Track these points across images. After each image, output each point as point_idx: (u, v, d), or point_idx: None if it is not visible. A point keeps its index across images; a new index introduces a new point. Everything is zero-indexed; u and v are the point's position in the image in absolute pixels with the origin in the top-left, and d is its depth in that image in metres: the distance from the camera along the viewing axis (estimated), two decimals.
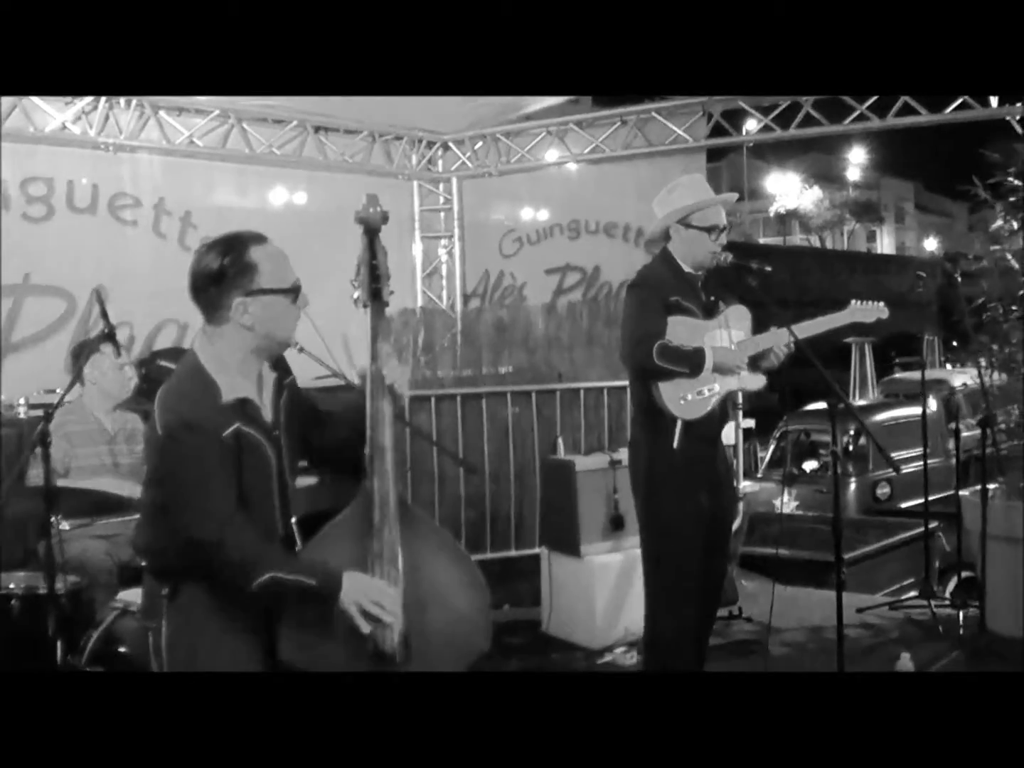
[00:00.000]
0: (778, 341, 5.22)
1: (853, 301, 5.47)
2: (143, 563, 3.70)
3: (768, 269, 5.08)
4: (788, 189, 60.51)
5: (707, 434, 5.26)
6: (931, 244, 64.00)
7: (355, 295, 3.63)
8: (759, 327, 5.34)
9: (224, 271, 3.32)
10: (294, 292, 3.43)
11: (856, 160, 62.36)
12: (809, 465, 14.14)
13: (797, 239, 60.37)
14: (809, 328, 5.26)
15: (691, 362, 5.10)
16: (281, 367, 3.59)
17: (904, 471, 5.52)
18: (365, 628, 3.28)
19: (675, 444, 5.13)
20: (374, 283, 3.61)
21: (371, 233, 3.63)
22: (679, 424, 5.14)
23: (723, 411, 5.38)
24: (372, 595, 3.29)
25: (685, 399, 5.13)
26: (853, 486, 13.63)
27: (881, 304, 5.47)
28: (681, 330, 5.17)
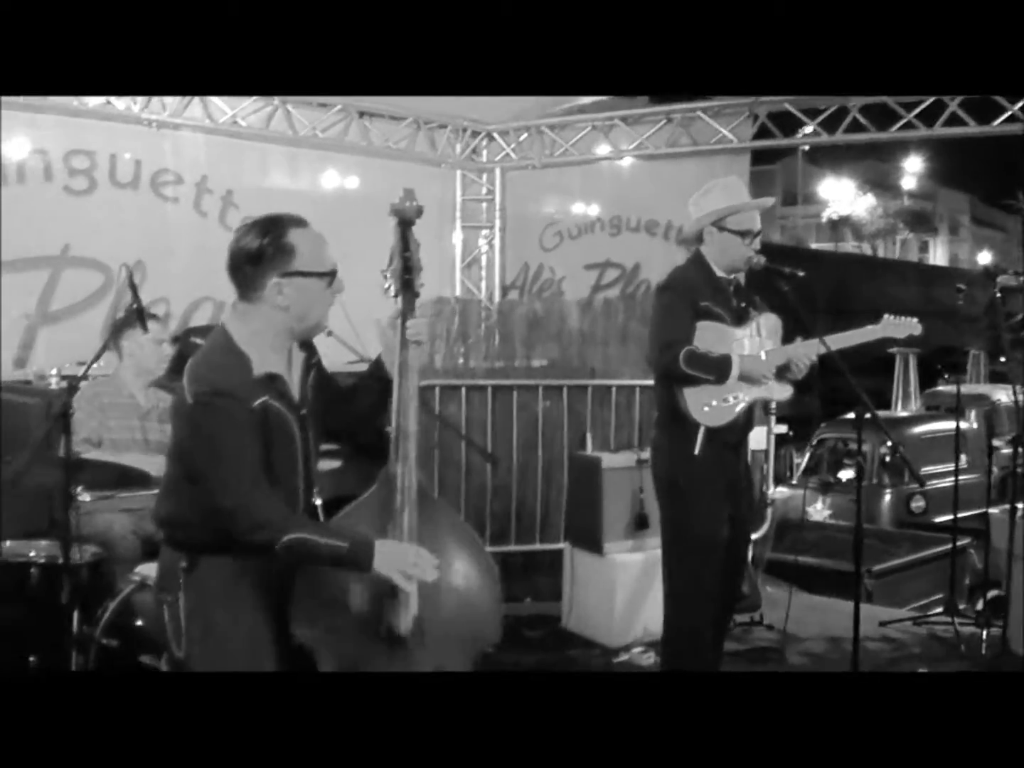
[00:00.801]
0: (808, 352, 5.17)
1: (886, 316, 5.43)
2: (162, 535, 3.72)
3: (801, 274, 5.03)
4: (842, 195, 60.06)
5: (730, 441, 5.24)
6: (985, 258, 63.39)
7: (387, 285, 3.67)
8: (792, 334, 5.29)
9: (262, 251, 3.38)
10: (330, 276, 3.48)
11: (912, 169, 61.81)
12: (844, 474, 14.02)
13: (849, 246, 59.94)
14: (841, 340, 5.22)
15: (717, 370, 5.06)
16: (308, 347, 3.64)
17: (938, 485, 5.46)
18: (410, 587, 3.35)
19: (696, 451, 5.11)
20: (406, 274, 3.64)
21: (405, 225, 3.65)
22: (702, 430, 5.12)
23: (748, 418, 5.34)
24: (409, 558, 3.33)
25: (709, 406, 5.11)
26: (888, 497, 13.51)
27: (914, 320, 5.43)
28: (709, 336, 5.14)
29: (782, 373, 5.25)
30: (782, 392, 5.33)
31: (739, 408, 5.18)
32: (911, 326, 5.43)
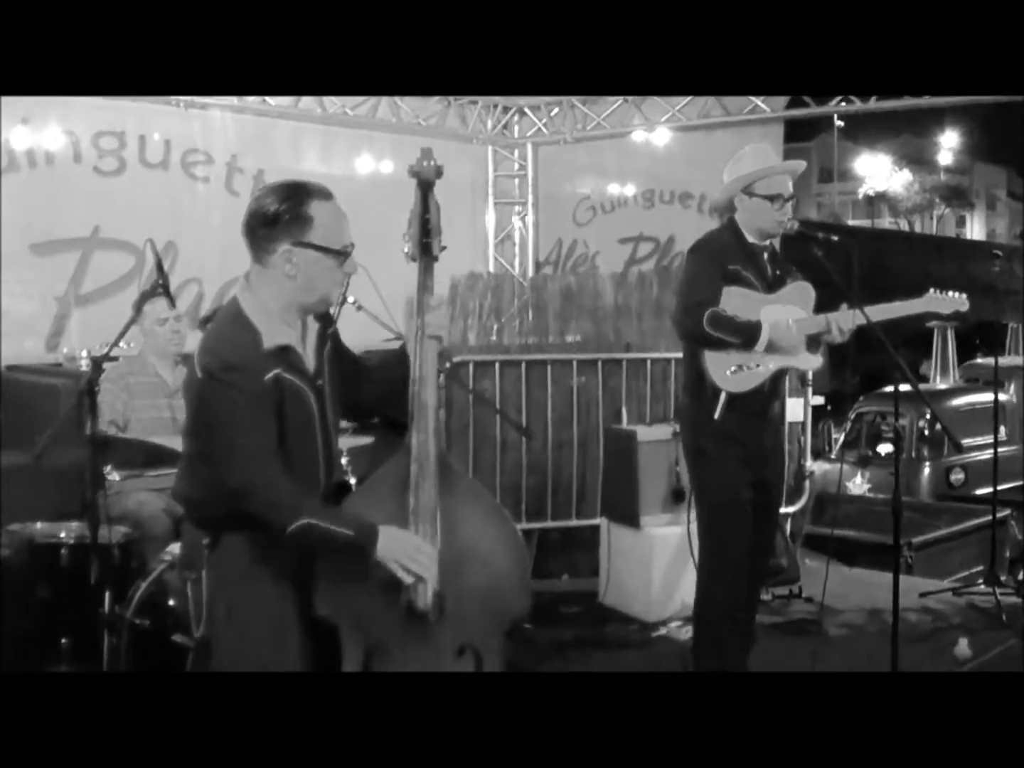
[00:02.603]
0: (840, 322, 5.09)
1: (931, 290, 5.32)
2: (183, 513, 3.70)
3: (835, 238, 4.97)
4: (878, 171, 59.80)
5: (754, 408, 5.18)
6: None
7: (405, 249, 3.60)
8: (828, 304, 5.21)
9: (279, 216, 3.31)
10: (343, 255, 3.39)
11: (948, 144, 61.44)
12: (883, 448, 13.93)
13: (886, 222, 59.65)
14: (881, 312, 5.14)
15: (744, 334, 5.02)
16: (324, 317, 3.58)
17: (977, 457, 5.40)
18: (408, 579, 3.29)
19: (716, 415, 5.07)
20: (425, 237, 3.57)
21: (425, 187, 3.58)
22: (723, 396, 5.08)
23: (775, 386, 5.28)
24: (409, 551, 3.29)
25: (732, 371, 5.07)
26: (927, 470, 13.43)
27: (962, 297, 5.31)
28: (737, 301, 5.08)
29: (816, 339, 5.18)
30: (810, 362, 5.29)
31: (763, 375, 5.13)
32: (958, 302, 5.31)
